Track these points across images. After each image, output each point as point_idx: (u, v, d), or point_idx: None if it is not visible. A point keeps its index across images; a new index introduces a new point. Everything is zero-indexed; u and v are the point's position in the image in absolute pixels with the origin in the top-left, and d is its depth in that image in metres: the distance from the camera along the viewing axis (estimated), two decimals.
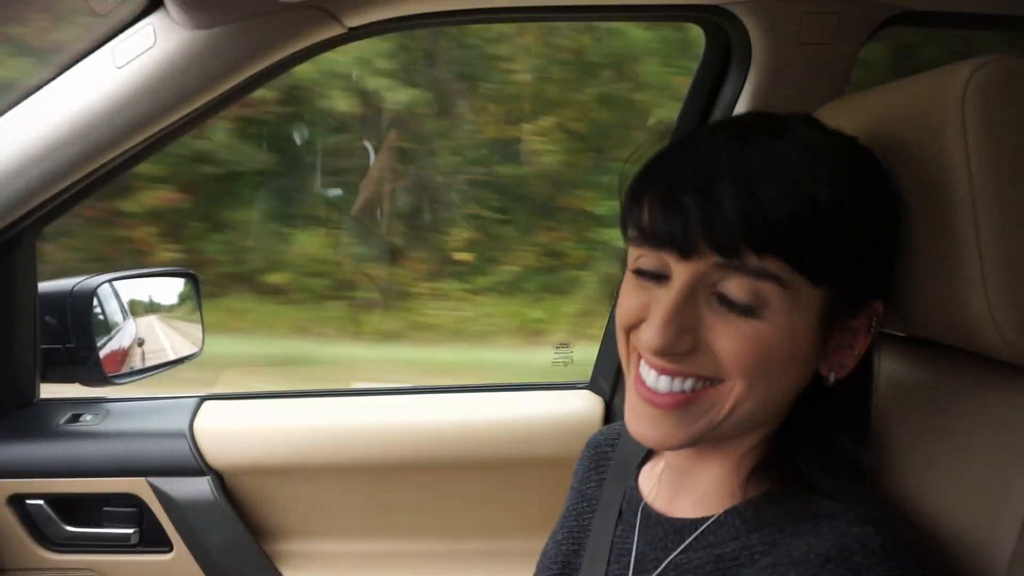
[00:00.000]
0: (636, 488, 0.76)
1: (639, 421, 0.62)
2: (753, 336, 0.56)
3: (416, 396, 1.32)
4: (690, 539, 0.64)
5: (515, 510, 1.29)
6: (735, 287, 0.56)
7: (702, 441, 0.61)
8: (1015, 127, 0.56)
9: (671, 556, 0.65)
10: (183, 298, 1.51)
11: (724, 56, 1.08)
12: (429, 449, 1.24)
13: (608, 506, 0.78)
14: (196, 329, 1.48)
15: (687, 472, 0.69)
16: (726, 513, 0.63)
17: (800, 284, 0.56)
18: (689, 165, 0.59)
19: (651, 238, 0.59)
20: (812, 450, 0.62)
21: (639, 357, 0.62)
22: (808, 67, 1.01)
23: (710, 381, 0.58)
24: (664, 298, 0.58)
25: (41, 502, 1.18)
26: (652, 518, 0.70)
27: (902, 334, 0.76)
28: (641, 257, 0.61)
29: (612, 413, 1.30)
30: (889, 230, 0.62)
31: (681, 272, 0.58)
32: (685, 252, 0.57)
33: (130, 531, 1.19)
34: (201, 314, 1.49)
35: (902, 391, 0.70)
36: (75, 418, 1.26)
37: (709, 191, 0.55)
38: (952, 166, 0.58)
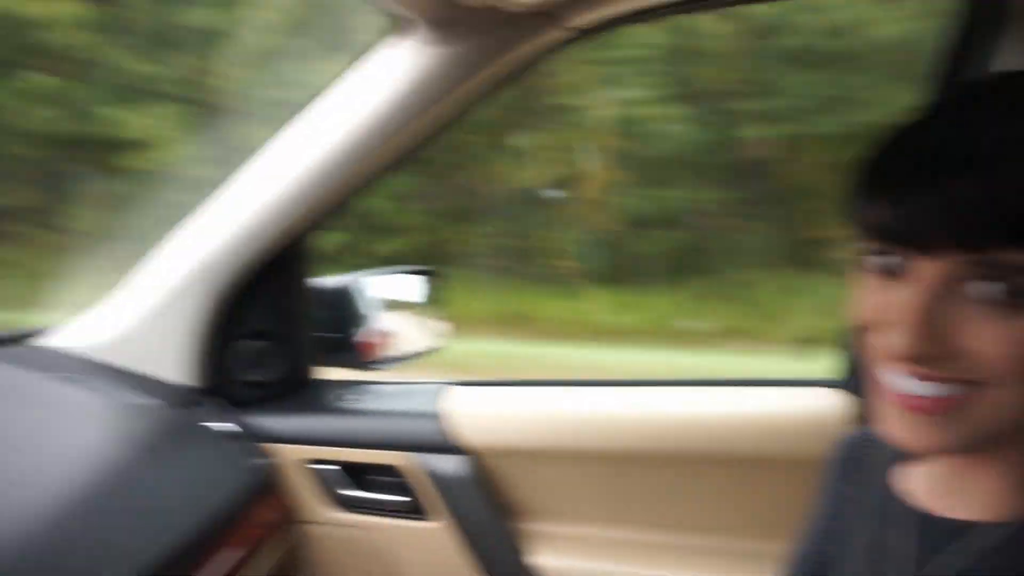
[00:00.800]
0: (901, 484, 0.70)
1: (897, 425, 0.56)
2: (1015, 335, 0.49)
3: (658, 388, 1.32)
4: (962, 541, 0.59)
5: (754, 509, 1.24)
6: (989, 283, 0.49)
7: (972, 448, 0.55)
8: None
9: (943, 558, 0.60)
10: (428, 294, 1.67)
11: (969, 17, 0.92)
12: (671, 441, 1.24)
13: (868, 507, 0.73)
14: (440, 322, 1.65)
15: (961, 470, 0.62)
16: (1009, 518, 0.57)
17: None
18: (934, 145, 0.51)
19: (883, 232, 0.53)
20: None
21: (884, 362, 0.56)
22: None
23: (974, 385, 0.52)
24: (907, 299, 0.52)
25: (327, 466, 1.38)
26: (917, 517, 0.64)
27: None
28: (875, 252, 0.56)
29: (865, 413, 1.19)
30: None
31: (924, 269, 0.52)
32: (927, 248, 0.51)
33: (396, 498, 1.34)
34: (444, 308, 1.65)
35: None
36: (345, 396, 1.45)
37: (943, 179, 0.49)
38: None
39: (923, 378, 0.53)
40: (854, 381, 1.23)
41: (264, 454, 1.35)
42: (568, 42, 1.06)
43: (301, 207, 1.22)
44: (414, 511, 1.34)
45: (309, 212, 1.23)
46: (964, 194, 0.48)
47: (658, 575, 1.23)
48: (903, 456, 0.73)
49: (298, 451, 1.39)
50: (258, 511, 1.27)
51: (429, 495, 1.31)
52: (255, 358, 1.41)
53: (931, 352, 0.51)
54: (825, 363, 1.30)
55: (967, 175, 0.48)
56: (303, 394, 1.47)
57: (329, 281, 1.51)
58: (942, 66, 1.00)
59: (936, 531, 0.62)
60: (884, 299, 0.55)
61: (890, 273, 0.55)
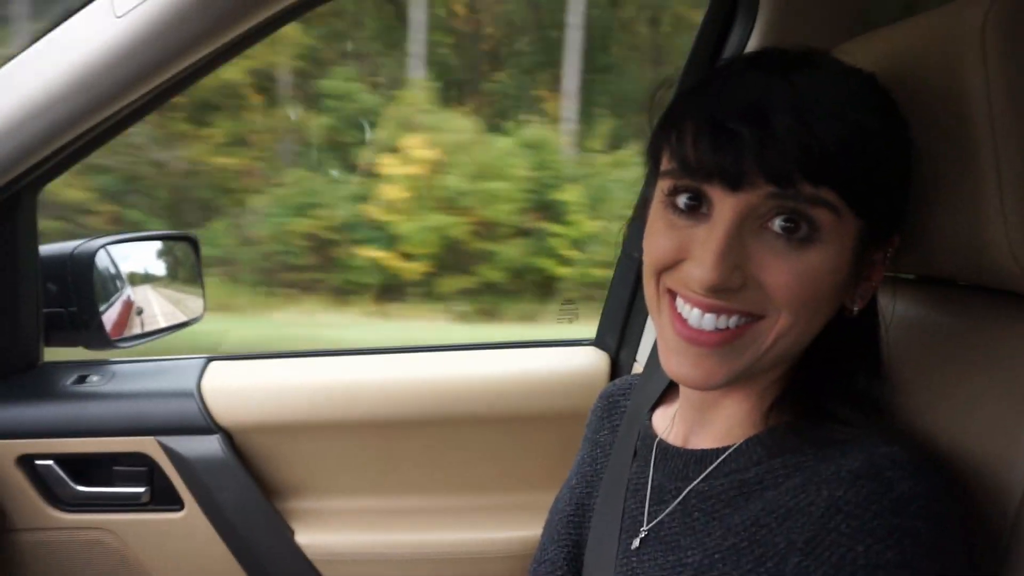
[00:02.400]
0: (650, 427, 0.77)
1: (680, 361, 0.60)
2: (804, 269, 0.56)
3: (422, 354, 1.32)
4: (712, 467, 0.65)
5: (522, 465, 1.30)
6: (788, 218, 0.55)
7: (743, 377, 0.60)
8: None
9: (692, 484, 0.66)
10: (183, 263, 1.50)
11: (731, 4, 1.06)
12: (436, 406, 1.25)
13: (622, 448, 0.80)
14: (197, 293, 1.48)
15: (708, 407, 0.69)
16: (747, 441, 0.64)
17: (846, 213, 0.56)
18: (736, 94, 0.56)
19: (697, 170, 0.57)
20: (831, 384, 0.63)
21: (672, 297, 0.61)
22: (819, 13, 1.00)
23: (753, 317, 0.58)
24: (710, 233, 0.56)
25: (51, 462, 1.18)
26: (669, 452, 0.71)
27: (912, 276, 0.76)
28: (678, 192, 0.59)
29: (618, 368, 1.31)
30: (909, 164, 0.62)
31: (729, 205, 0.56)
32: (735, 184, 0.55)
33: (141, 490, 1.20)
34: (201, 278, 1.49)
35: (915, 332, 0.70)
36: (82, 379, 1.26)
37: (762, 120, 0.54)
38: (972, 100, 0.58)
39: (713, 311, 0.57)
40: (607, 339, 1.35)
41: None
42: None
43: (13, 151, 1.01)
44: (163, 501, 1.21)
45: (24, 159, 1.03)
46: (779, 132, 0.53)
47: (429, 539, 1.24)
48: (654, 400, 0.81)
49: (13, 446, 1.17)
50: None
51: (180, 481, 1.19)
52: None
53: (730, 282, 0.55)
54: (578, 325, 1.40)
55: (783, 117, 0.53)
56: (24, 379, 1.24)
57: (63, 247, 1.28)
58: (704, 46, 1.11)
59: (684, 461, 0.69)
60: (683, 236, 0.59)
61: (691, 213, 0.58)
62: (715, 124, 0.56)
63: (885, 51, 0.70)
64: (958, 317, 0.68)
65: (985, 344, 0.63)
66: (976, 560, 0.55)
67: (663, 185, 0.61)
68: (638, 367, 1.26)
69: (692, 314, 0.59)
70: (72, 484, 1.19)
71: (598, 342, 1.36)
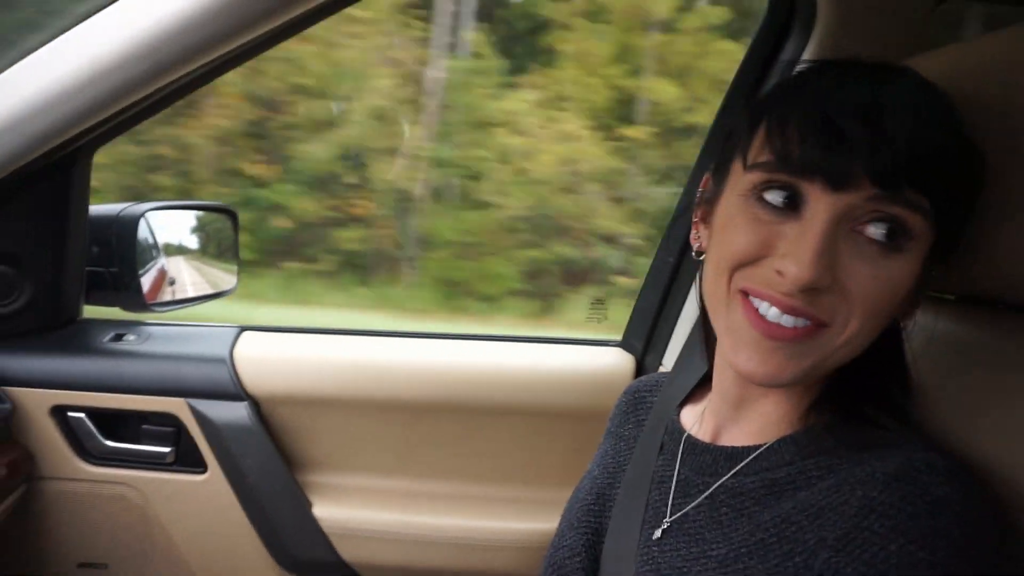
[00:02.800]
0: (678, 421, 0.78)
1: (751, 355, 0.58)
2: (889, 277, 0.55)
3: (450, 341, 1.34)
4: (743, 464, 0.66)
5: (540, 459, 1.31)
6: (885, 224, 0.54)
7: (807, 379, 0.60)
8: None
9: (721, 480, 0.66)
10: (221, 233, 1.53)
11: (788, 13, 1.07)
12: (459, 393, 1.26)
13: (648, 441, 0.80)
14: (232, 265, 1.51)
15: (745, 404, 0.69)
16: (780, 441, 0.65)
17: (930, 225, 0.55)
18: (846, 94, 0.55)
19: (800, 166, 0.55)
20: (868, 390, 0.63)
21: (744, 296, 0.59)
22: (879, 27, 1.00)
23: (824, 325, 0.57)
24: (805, 231, 0.55)
25: (82, 415, 1.21)
26: (698, 447, 0.72)
27: (951, 297, 0.76)
28: (771, 187, 0.57)
29: (643, 371, 1.32)
30: (982, 183, 0.62)
31: (827, 204, 0.55)
32: (840, 183, 0.54)
33: (167, 449, 1.22)
34: (237, 251, 1.52)
35: (952, 351, 0.71)
36: (118, 337, 1.29)
37: (875, 121, 0.53)
38: None
39: (794, 313, 0.56)
40: (633, 341, 1.36)
41: (0, 398, 1.15)
42: None
43: (73, 112, 1.04)
44: (187, 462, 1.23)
45: (82, 120, 1.06)
46: (892, 134, 0.52)
47: (443, 523, 1.25)
48: (683, 396, 0.82)
49: (47, 396, 1.20)
50: None
51: (205, 444, 1.21)
52: None
53: (823, 281, 0.54)
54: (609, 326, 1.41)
55: (894, 119, 0.53)
56: (62, 333, 1.27)
57: (109, 209, 1.31)
58: (758, 53, 1.12)
59: (713, 457, 0.69)
60: (769, 232, 0.57)
61: (780, 210, 0.57)
62: (826, 120, 0.54)
63: (946, 71, 0.70)
64: (1000, 339, 0.68)
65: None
66: (1011, 569, 0.55)
67: (751, 179, 0.59)
68: (664, 370, 1.26)
69: (771, 312, 0.57)
70: (101, 438, 1.22)
71: (624, 344, 1.37)
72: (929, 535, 0.50)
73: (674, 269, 1.26)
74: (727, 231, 0.61)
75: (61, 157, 1.13)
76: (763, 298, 0.58)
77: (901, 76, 0.58)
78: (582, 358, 1.33)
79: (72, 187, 1.19)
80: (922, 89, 0.57)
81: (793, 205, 0.57)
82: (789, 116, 0.57)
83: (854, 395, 0.64)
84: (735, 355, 0.60)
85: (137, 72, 1.01)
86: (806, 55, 1.04)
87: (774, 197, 0.57)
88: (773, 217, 0.58)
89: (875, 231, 0.55)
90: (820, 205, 0.55)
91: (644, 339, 1.33)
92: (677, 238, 1.23)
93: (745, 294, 0.59)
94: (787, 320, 0.57)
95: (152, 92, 1.05)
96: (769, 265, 0.57)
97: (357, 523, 1.25)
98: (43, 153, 1.08)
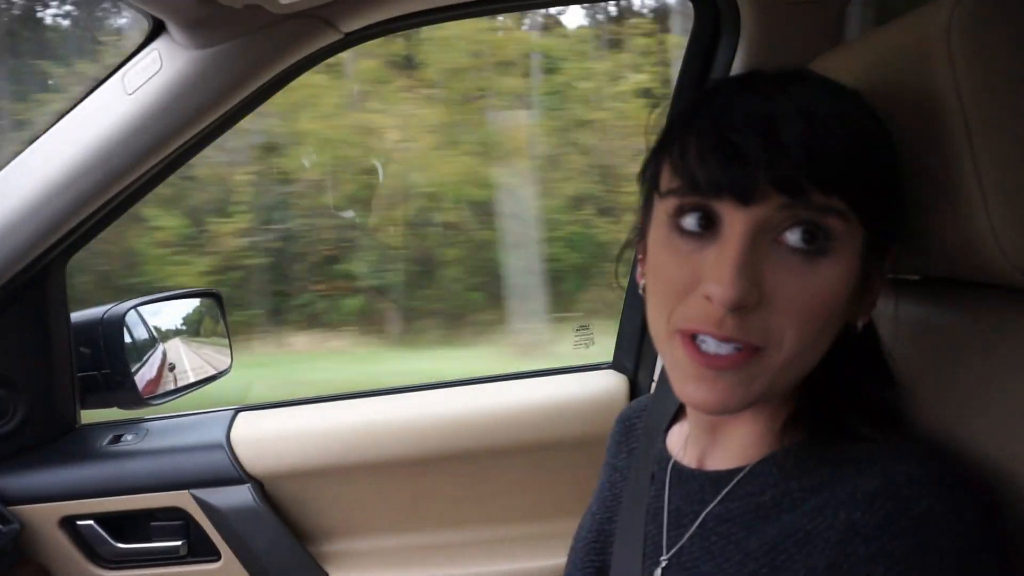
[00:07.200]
0: (665, 448, 0.77)
1: (698, 386, 0.58)
2: (819, 284, 0.55)
3: (442, 390, 1.34)
4: (727, 489, 0.65)
5: (549, 492, 1.31)
6: (804, 229, 0.54)
7: (758, 401, 0.59)
8: (1001, 53, 0.57)
9: (709, 507, 0.66)
10: (209, 318, 1.55)
11: (714, 25, 1.09)
12: (460, 440, 1.26)
13: (639, 471, 0.80)
14: (224, 347, 1.53)
15: (720, 429, 0.69)
16: (761, 462, 0.64)
17: (854, 222, 0.55)
18: (739, 109, 0.56)
19: (705, 186, 0.55)
20: (843, 398, 0.62)
21: (683, 335, 0.58)
22: (799, 27, 1.01)
23: (761, 348, 0.56)
24: (724, 250, 0.55)
25: (91, 522, 1.22)
26: (684, 474, 0.71)
27: (915, 277, 0.76)
28: (684, 212, 0.58)
29: (636, 389, 1.32)
30: (900, 170, 0.62)
31: (741, 219, 0.55)
32: (747, 197, 0.54)
33: (178, 543, 1.22)
34: (228, 332, 1.53)
35: (922, 332, 0.70)
36: (117, 439, 1.30)
37: (769, 131, 0.53)
38: (944, 101, 0.58)
39: (729, 341, 0.55)
40: (624, 361, 1.35)
41: (8, 519, 1.16)
42: (336, 46, 1.06)
43: (40, 227, 1.07)
44: (200, 552, 1.23)
45: (50, 233, 1.08)
46: (787, 142, 0.53)
47: (461, 572, 1.25)
48: (671, 419, 0.81)
49: (55, 509, 1.21)
50: None
51: (215, 532, 1.22)
52: None
53: (749, 298, 0.53)
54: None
55: (788, 127, 0.53)
56: (63, 443, 1.28)
57: (94, 312, 1.33)
58: (692, 66, 1.13)
59: (699, 484, 0.68)
60: (692, 262, 0.57)
61: (698, 235, 0.57)
62: (721, 138, 0.55)
63: (860, 61, 0.71)
64: (959, 314, 0.68)
65: (991, 338, 0.63)
66: (1014, 569, 0.53)
67: (666, 207, 0.59)
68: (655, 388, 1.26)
69: (708, 343, 0.57)
70: (112, 542, 1.22)
71: (616, 365, 1.37)
72: (916, 554, 0.49)
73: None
74: (656, 269, 0.61)
75: (35, 273, 1.15)
76: (699, 332, 0.57)
77: (795, 82, 0.58)
78: (576, 385, 1.33)
79: (49, 299, 1.22)
80: (817, 91, 0.58)
81: (710, 227, 0.57)
82: (688, 139, 0.57)
83: (831, 405, 0.62)
84: (682, 388, 0.60)
85: (91, 182, 1.04)
86: (735, 66, 1.05)
87: (690, 222, 0.57)
88: (694, 246, 0.57)
89: (793, 238, 0.55)
90: (734, 222, 0.55)
91: (634, 357, 1.33)
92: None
93: (684, 335, 0.59)
94: (724, 348, 0.56)
95: (110, 198, 1.07)
96: (698, 294, 0.57)
97: None
98: (15, 273, 1.11)
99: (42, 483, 1.22)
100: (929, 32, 0.59)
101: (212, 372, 1.48)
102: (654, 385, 1.27)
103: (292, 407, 1.35)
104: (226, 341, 1.52)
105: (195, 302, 1.55)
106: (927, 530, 0.49)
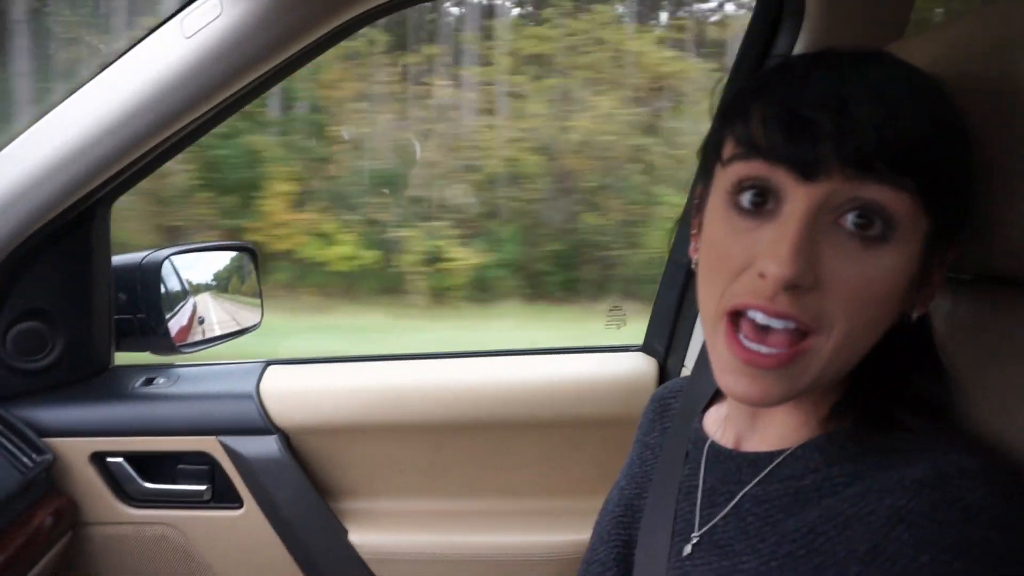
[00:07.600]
0: (701, 428, 0.77)
1: (737, 380, 0.57)
2: (875, 272, 0.53)
3: (472, 359, 1.35)
4: (766, 471, 0.64)
5: (570, 470, 1.31)
6: (862, 213, 0.53)
7: (806, 393, 0.58)
8: None
9: (746, 488, 0.65)
10: (243, 271, 1.56)
11: (777, 8, 1.07)
12: (485, 410, 1.27)
13: (673, 449, 0.79)
14: (255, 301, 1.54)
15: (760, 413, 0.68)
16: (803, 446, 0.63)
17: (919, 211, 0.54)
18: (810, 84, 0.54)
19: (767, 153, 0.54)
20: (891, 389, 0.61)
21: (730, 321, 0.58)
22: (865, 14, 0.99)
23: (811, 332, 0.55)
24: (782, 228, 0.53)
25: (121, 460, 1.25)
26: (721, 454, 0.71)
27: (968, 276, 0.75)
28: (743, 188, 0.56)
29: (666, 374, 1.31)
30: (973, 162, 0.60)
31: (802, 196, 0.53)
32: (810, 172, 0.52)
33: (203, 487, 1.25)
34: (260, 286, 1.55)
35: (974, 329, 0.69)
36: (149, 382, 1.32)
37: (840, 109, 0.52)
38: None
39: (777, 316, 0.54)
40: (655, 344, 1.35)
41: (41, 450, 1.19)
42: (389, 7, 1.05)
43: (89, 166, 1.08)
44: (223, 498, 1.26)
45: (99, 173, 1.09)
46: (858, 120, 0.51)
47: (478, 540, 1.26)
48: (704, 403, 0.81)
49: (86, 444, 1.24)
50: (33, 515, 1.11)
51: (239, 479, 1.24)
52: (29, 341, 1.23)
53: (805, 279, 0.52)
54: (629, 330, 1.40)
55: (860, 105, 0.52)
56: (96, 382, 1.31)
57: (132, 257, 1.35)
58: (752, 47, 1.11)
59: (736, 465, 0.68)
60: (749, 240, 0.56)
61: (754, 211, 0.56)
62: (790, 111, 0.53)
63: (936, 50, 0.69)
64: (1014, 313, 0.67)
65: None
66: None
67: (725, 181, 0.58)
68: (686, 372, 1.25)
69: (758, 317, 0.56)
70: (140, 481, 1.25)
71: (646, 348, 1.37)
72: (964, 544, 0.47)
73: (688, 269, 1.25)
74: (711, 245, 0.60)
75: (80, 212, 1.17)
76: (750, 307, 0.56)
77: (871, 62, 0.56)
78: (604, 365, 1.33)
79: (93, 240, 1.24)
80: (894, 72, 0.56)
81: (769, 206, 0.56)
82: (754, 111, 0.56)
83: (879, 395, 0.61)
84: (722, 378, 0.59)
85: (143, 124, 1.05)
86: (797, 48, 1.03)
87: (748, 199, 0.56)
88: (751, 224, 0.56)
89: (854, 221, 0.53)
90: (795, 198, 0.54)
91: (665, 341, 1.32)
92: (686, 238, 1.21)
93: (730, 316, 0.58)
94: (776, 323, 0.55)
95: (160, 142, 1.08)
96: (752, 272, 0.56)
97: (393, 547, 1.26)
98: (62, 210, 1.13)
99: (75, 418, 1.24)
100: (1015, 24, 0.58)
101: (243, 326, 1.50)
102: (684, 370, 1.27)
103: (321, 364, 1.37)
104: (258, 296, 1.54)
105: (229, 255, 1.56)
106: (977, 522, 0.48)
